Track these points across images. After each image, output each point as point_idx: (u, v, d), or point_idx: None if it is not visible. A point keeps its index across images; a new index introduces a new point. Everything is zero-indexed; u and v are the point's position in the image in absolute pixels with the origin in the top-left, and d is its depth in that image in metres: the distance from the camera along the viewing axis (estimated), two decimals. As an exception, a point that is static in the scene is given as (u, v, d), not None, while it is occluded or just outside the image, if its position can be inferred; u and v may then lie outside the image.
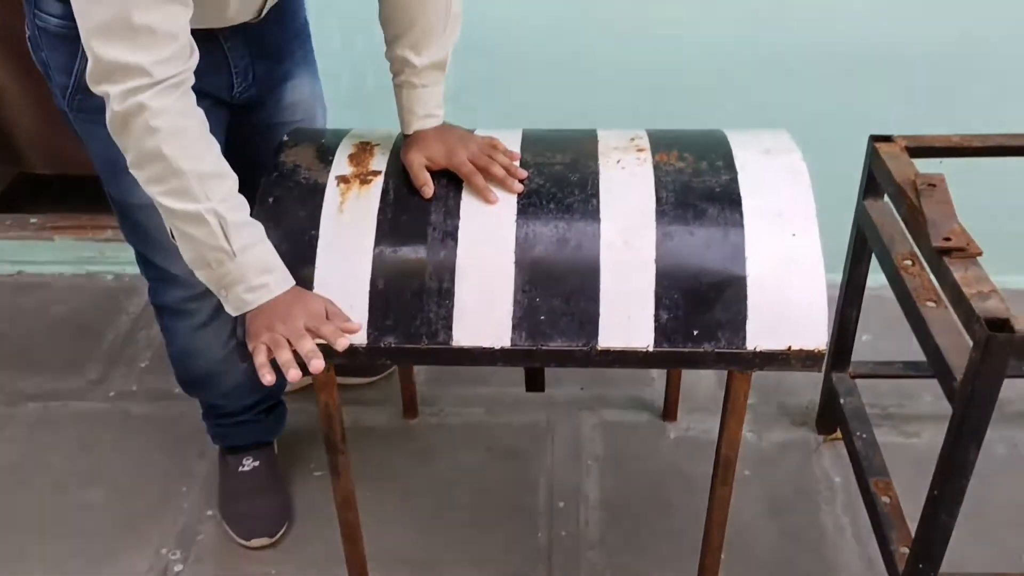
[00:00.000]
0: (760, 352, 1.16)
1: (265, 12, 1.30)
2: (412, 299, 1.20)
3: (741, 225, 1.20)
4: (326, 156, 1.33)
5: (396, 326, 1.19)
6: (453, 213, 1.24)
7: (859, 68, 1.91)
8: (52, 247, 2.34)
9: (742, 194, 1.22)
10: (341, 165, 1.31)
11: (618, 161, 1.29)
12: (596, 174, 1.27)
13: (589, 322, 1.18)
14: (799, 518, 1.66)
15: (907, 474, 1.51)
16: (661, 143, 1.32)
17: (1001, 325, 1.11)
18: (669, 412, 1.86)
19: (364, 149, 1.34)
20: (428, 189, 1.25)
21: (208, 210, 1.10)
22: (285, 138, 1.39)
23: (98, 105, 1.08)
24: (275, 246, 1.19)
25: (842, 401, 1.69)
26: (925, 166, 1.43)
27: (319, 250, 1.23)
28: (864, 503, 1.55)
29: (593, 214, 1.22)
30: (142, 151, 1.08)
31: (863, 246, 1.58)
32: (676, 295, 1.17)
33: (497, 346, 1.18)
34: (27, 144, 2.57)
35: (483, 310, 1.19)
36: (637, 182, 1.25)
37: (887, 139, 1.52)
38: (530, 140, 1.35)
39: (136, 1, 0.99)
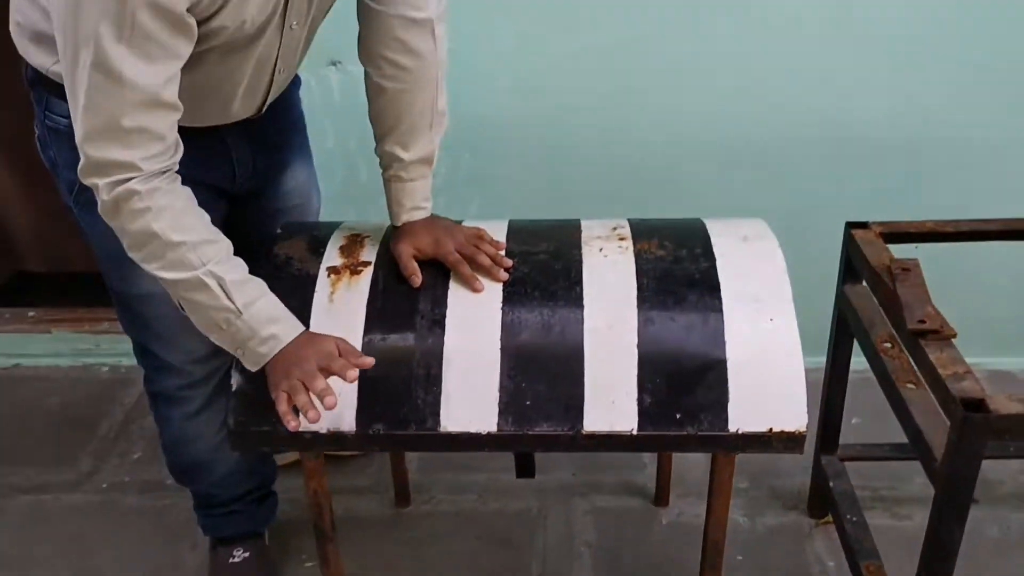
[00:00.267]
0: (742, 434, 1.18)
1: (265, 108, 1.36)
2: (400, 386, 1.22)
3: (720, 310, 1.23)
4: (318, 248, 1.37)
5: (385, 413, 1.22)
6: (440, 301, 1.28)
7: (835, 155, 1.98)
8: (49, 339, 2.36)
9: (721, 280, 1.26)
10: (332, 256, 1.35)
11: (600, 249, 1.33)
12: (579, 262, 1.31)
13: (574, 406, 1.20)
14: (793, 603, 1.65)
15: (899, 557, 1.51)
16: (642, 232, 1.37)
17: (977, 405, 1.13)
18: (661, 497, 1.86)
19: (355, 241, 1.39)
20: (416, 279, 1.29)
21: (206, 273, 1.14)
22: (279, 231, 1.43)
23: (101, 200, 1.13)
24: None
25: (831, 484, 1.69)
26: (901, 251, 1.47)
27: (310, 339, 1.25)
28: (857, 587, 1.54)
29: (577, 301, 1.26)
30: (135, 232, 1.12)
31: (845, 329, 1.61)
32: (659, 379, 1.20)
33: (484, 431, 1.20)
34: (26, 244, 2.64)
35: (470, 396, 1.21)
36: (619, 269, 1.29)
37: (863, 225, 1.56)
38: (515, 230, 1.40)
39: (127, 108, 1.04)
